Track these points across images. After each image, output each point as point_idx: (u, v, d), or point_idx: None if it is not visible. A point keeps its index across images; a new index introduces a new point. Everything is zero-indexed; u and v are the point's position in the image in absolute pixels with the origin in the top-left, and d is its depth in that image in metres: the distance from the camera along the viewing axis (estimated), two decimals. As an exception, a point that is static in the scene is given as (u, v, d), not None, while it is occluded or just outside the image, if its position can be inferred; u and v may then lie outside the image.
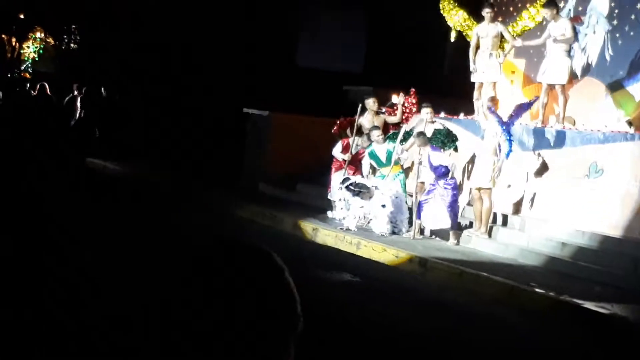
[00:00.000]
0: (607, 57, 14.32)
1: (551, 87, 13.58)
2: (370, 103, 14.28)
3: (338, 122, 14.70)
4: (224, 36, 20.63)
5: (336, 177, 13.75)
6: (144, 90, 21.38)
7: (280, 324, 1.40)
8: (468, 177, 12.99)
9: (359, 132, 14.06)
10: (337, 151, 14.15)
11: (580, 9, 14.89)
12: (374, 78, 17.21)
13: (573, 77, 13.87)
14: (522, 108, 12.66)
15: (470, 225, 12.56)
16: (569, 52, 13.46)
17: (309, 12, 20.06)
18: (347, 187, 12.87)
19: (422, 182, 12.60)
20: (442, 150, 12.73)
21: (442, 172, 12.25)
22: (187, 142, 18.77)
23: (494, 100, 12.89)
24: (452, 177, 12.34)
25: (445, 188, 12.19)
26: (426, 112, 13.23)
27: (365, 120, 14.18)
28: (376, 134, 13.36)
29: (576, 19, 14.38)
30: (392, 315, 8.39)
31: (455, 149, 13.10)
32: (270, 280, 1.42)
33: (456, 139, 13.13)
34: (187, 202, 14.92)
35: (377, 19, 20.30)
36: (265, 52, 20.42)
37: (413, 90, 14.46)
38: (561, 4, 14.27)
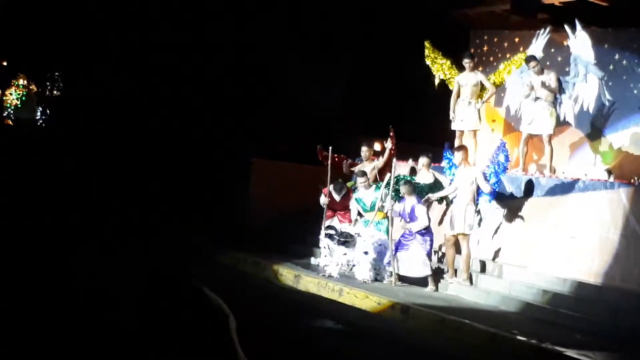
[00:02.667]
0: (592, 107, 14.47)
1: (531, 136, 13.73)
2: (364, 152, 14.21)
3: (318, 152, 14.20)
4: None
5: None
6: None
7: (216, 325, 2.22)
8: (440, 224, 13.11)
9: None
10: (322, 201, 13.98)
11: (559, 59, 15.14)
12: (356, 124, 17.27)
13: (558, 125, 13.96)
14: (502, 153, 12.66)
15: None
16: (553, 102, 13.59)
17: (291, 58, 20.16)
18: (330, 237, 12.86)
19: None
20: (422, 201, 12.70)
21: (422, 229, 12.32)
22: (171, 185, 18.56)
23: (463, 149, 12.81)
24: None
25: (424, 235, 12.25)
26: (422, 162, 13.62)
27: (359, 167, 14.13)
28: (360, 181, 13.37)
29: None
30: (374, 363, 8.38)
31: (440, 200, 13.21)
32: (199, 303, 2.25)
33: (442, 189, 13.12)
34: (169, 245, 14.76)
35: (360, 65, 20.46)
36: (250, 93, 20.39)
37: (392, 128, 13.66)
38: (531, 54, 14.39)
